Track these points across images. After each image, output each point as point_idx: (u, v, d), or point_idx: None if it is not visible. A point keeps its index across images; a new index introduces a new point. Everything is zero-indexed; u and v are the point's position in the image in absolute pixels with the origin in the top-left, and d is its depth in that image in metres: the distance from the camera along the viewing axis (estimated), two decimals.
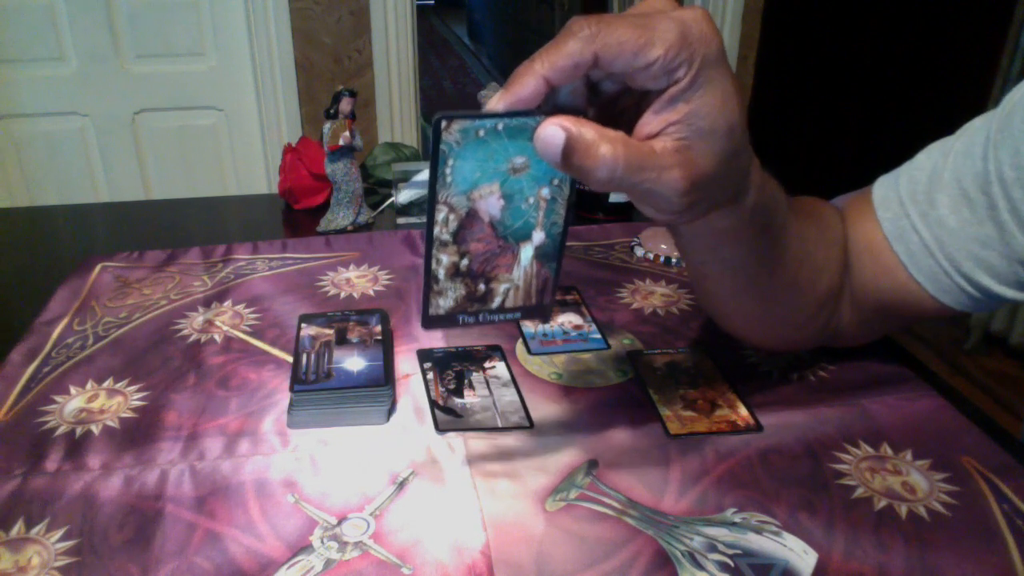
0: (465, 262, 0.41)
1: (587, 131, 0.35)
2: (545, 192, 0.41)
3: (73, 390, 0.58)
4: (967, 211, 0.49)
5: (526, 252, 0.42)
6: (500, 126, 0.37)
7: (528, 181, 0.40)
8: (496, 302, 0.43)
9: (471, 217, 0.40)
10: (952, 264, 0.50)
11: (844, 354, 0.62)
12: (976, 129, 0.50)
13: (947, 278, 0.51)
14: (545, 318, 0.46)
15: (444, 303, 0.42)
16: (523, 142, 0.38)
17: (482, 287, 0.43)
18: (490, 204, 0.40)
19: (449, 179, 0.39)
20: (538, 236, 0.42)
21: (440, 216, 0.40)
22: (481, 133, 0.37)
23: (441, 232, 0.40)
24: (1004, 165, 0.47)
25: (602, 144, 0.35)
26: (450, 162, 0.38)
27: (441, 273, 0.42)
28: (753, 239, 0.46)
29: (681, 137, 0.36)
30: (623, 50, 0.34)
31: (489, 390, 0.58)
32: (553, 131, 0.35)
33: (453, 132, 0.37)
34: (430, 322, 0.43)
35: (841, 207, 0.57)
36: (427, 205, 0.40)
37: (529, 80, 0.35)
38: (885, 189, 0.54)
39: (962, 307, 0.52)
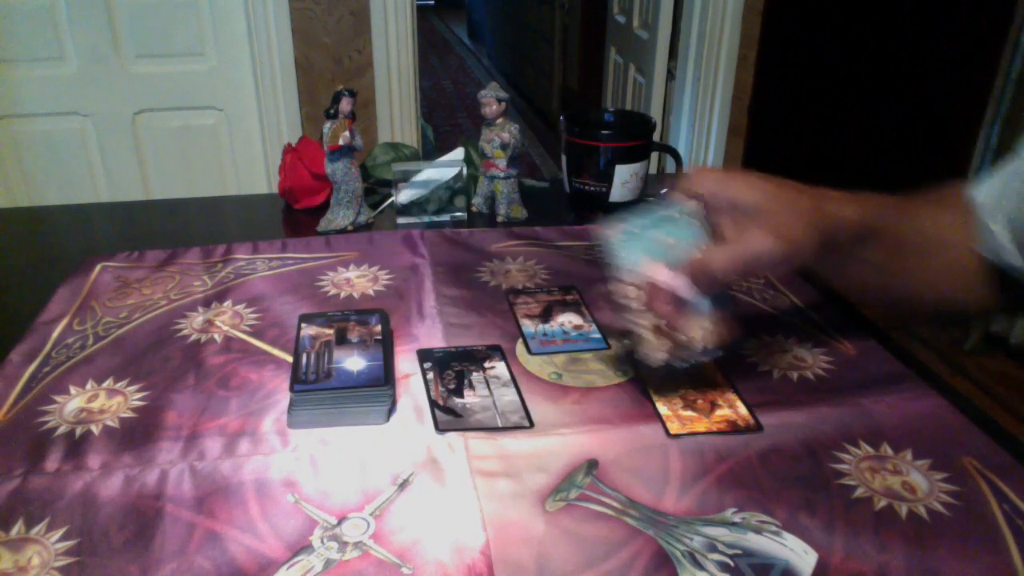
0: (663, 323, 0.52)
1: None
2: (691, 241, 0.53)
3: (73, 390, 0.58)
4: None
5: (701, 305, 0.52)
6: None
7: (680, 231, 0.53)
8: (698, 344, 0.52)
9: (653, 287, 0.52)
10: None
11: (844, 354, 0.61)
12: None
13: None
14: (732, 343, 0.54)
15: (658, 357, 0.52)
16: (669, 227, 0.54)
17: (681, 337, 0.52)
18: (661, 276, 0.52)
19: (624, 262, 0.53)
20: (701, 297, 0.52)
21: (628, 290, 0.53)
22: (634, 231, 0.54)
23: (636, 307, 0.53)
24: None
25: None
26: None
27: (650, 336, 0.52)
28: (865, 251, 0.53)
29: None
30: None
31: (489, 390, 0.58)
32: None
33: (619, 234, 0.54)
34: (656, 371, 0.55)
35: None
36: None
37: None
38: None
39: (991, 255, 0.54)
